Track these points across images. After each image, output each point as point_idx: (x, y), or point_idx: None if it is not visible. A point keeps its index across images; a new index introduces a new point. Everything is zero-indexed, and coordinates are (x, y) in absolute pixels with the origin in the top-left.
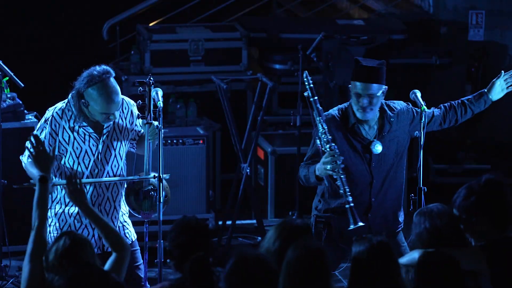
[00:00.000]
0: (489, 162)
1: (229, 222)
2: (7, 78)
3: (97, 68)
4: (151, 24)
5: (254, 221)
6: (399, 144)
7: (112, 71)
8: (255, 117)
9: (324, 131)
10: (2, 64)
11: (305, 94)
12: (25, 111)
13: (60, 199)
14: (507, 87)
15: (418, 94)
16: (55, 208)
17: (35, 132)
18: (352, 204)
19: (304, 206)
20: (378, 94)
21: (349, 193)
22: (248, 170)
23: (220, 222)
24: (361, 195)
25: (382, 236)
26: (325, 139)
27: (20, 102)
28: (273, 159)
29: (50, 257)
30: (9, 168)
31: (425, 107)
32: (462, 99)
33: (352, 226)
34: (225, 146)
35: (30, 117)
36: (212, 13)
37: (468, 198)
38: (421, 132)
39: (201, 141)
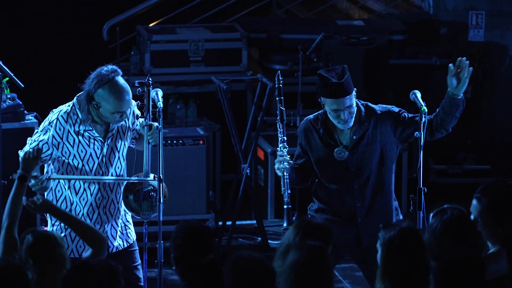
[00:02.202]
0: (489, 162)
1: (229, 223)
2: (7, 78)
3: (104, 68)
4: (151, 25)
5: (254, 221)
6: (384, 149)
7: (119, 70)
8: (255, 118)
9: (280, 130)
10: (2, 64)
11: (275, 94)
12: (25, 111)
13: (65, 198)
14: (461, 76)
15: (418, 94)
16: (60, 207)
17: (38, 132)
18: (290, 206)
19: (304, 206)
20: (353, 101)
21: (289, 194)
22: (248, 171)
23: (220, 223)
24: (344, 199)
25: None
26: (279, 139)
27: (20, 102)
28: (273, 160)
29: (22, 255)
30: (9, 168)
31: (425, 108)
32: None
33: (285, 225)
34: (225, 146)
35: (30, 118)
36: (212, 14)
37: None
38: (421, 133)
39: (201, 142)
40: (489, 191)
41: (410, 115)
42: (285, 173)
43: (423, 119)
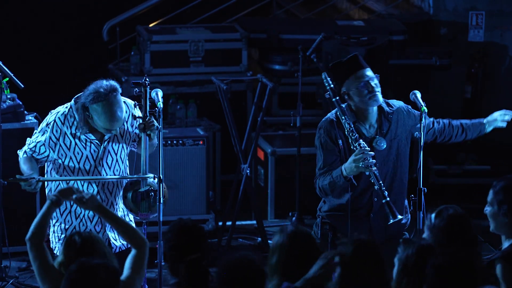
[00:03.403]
0: (489, 162)
1: (229, 223)
2: (7, 79)
3: (104, 84)
4: (151, 25)
5: (254, 221)
6: (400, 144)
7: (118, 88)
8: (255, 118)
9: (351, 129)
10: (2, 65)
11: (327, 95)
12: (25, 111)
13: (65, 203)
14: (502, 121)
15: (418, 95)
16: (59, 210)
17: (36, 133)
18: (388, 199)
19: (304, 206)
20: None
21: (384, 188)
22: (248, 171)
23: (220, 223)
24: (363, 195)
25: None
26: (353, 137)
27: (20, 103)
28: (273, 160)
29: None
30: (9, 168)
31: (425, 108)
32: (462, 121)
33: (391, 220)
34: (225, 146)
35: (30, 118)
36: (212, 14)
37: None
38: (421, 133)
39: (201, 142)
40: (505, 183)
41: (429, 119)
42: (374, 167)
43: (423, 120)
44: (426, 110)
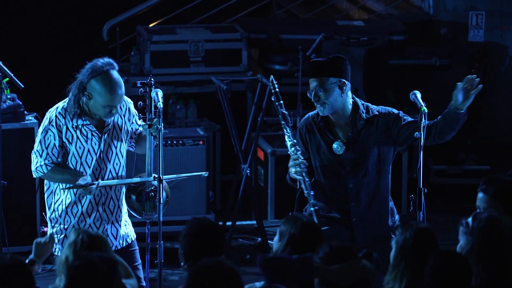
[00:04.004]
0: (489, 162)
1: (229, 223)
2: (7, 79)
3: (100, 60)
4: (151, 25)
5: (254, 222)
6: (380, 150)
7: (115, 64)
8: (255, 118)
9: (288, 135)
10: (2, 65)
11: (272, 98)
12: (25, 112)
13: (62, 201)
14: (468, 91)
15: (418, 95)
16: (58, 210)
17: (38, 134)
18: (317, 207)
19: (304, 207)
20: (327, 87)
21: (313, 196)
22: (248, 171)
23: (220, 223)
24: (338, 199)
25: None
26: (289, 143)
27: (20, 103)
28: (273, 160)
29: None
30: (9, 168)
31: (425, 108)
32: (437, 118)
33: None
34: (225, 147)
35: (30, 118)
36: (212, 14)
37: None
38: (421, 133)
39: (201, 142)
40: (493, 181)
41: (408, 118)
42: (304, 175)
43: (423, 120)
44: (426, 111)
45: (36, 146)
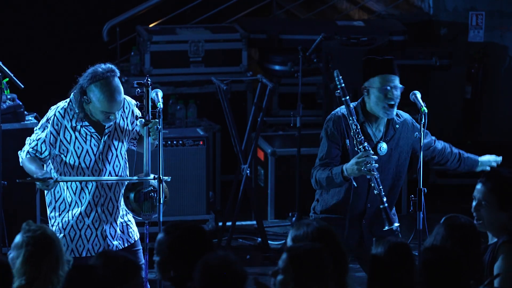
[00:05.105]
0: None
1: (229, 223)
2: (7, 79)
3: (102, 65)
4: (151, 25)
5: (254, 222)
6: (401, 155)
7: (117, 70)
8: (255, 118)
9: (357, 130)
10: (2, 65)
11: (337, 93)
12: (25, 112)
13: (63, 200)
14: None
15: (418, 95)
16: (58, 209)
17: (36, 130)
18: (386, 205)
19: (304, 207)
20: (399, 86)
21: (384, 194)
22: (248, 171)
23: (220, 223)
24: (357, 200)
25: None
26: (358, 139)
27: (20, 103)
28: (273, 160)
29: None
30: (9, 169)
31: (425, 108)
32: (460, 151)
33: (387, 227)
34: (225, 147)
35: (30, 118)
36: (212, 14)
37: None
38: (421, 133)
39: (201, 142)
40: (494, 175)
41: (429, 134)
42: (374, 172)
43: (423, 120)
44: (426, 111)
45: (32, 135)
